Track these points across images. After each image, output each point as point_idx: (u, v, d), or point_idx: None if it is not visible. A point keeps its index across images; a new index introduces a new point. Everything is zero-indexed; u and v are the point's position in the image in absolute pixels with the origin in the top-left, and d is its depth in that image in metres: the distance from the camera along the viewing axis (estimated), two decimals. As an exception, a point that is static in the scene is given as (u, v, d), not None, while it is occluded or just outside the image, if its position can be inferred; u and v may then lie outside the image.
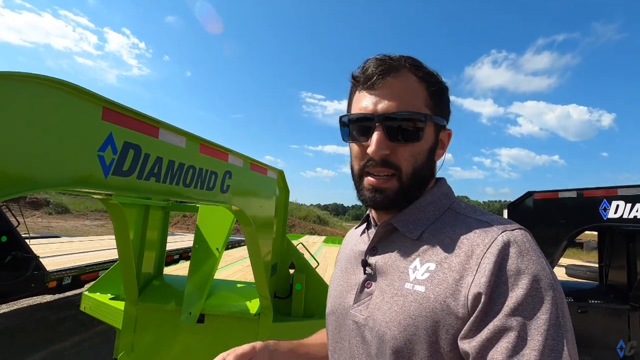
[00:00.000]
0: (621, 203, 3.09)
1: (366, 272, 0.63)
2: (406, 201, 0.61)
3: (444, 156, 0.68)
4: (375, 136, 0.58)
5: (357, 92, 0.64)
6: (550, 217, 3.72)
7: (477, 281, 0.48)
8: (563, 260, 5.01)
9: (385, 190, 0.60)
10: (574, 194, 3.52)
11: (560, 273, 5.82)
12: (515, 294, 0.45)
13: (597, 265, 4.54)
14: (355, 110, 0.63)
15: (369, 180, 0.61)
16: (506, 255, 0.48)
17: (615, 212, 3.12)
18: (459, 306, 0.49)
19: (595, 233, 4.35)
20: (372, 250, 0.64)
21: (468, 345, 0.46)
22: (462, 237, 0.54)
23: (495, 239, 0.51)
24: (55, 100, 0.98)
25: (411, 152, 0.59)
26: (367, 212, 0.72)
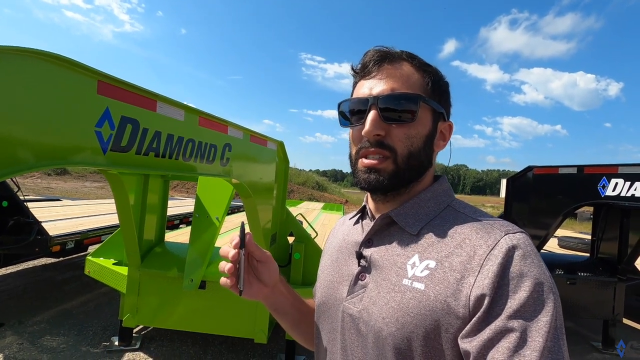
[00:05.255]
0: (620, 181, 3.08)
1: (360, 264, 0.63)
2: (401, 185, 0.61)
3: (449, 150, 0.67)
4: (369, 116, 0.58)
5: (356, 83, 0.65)
6: (549, 192, 3.74)
7: (479, 282, 0.48)
8: (557, 231, 5.11)
9: (380, 171, 0.59)
10: (574, 170, 3.51)
11: (553, 244, 5.96)
12: (518, 296, 0.46)
13: (589, 237, 4.64)
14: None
15: (363, 162, 0.61)
16: (510, 257, 0.49)
17: (614, 189, 3.13)
18: (460, 306, 0.49)
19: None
20: (368, 242, 0.64)
21: (469, 345, 0.47)
22: (463, 236, 0.54)
23: (499, 241, 0.51)
24: (48, 74, 0.93)
25: (406, 134, 0.59)
26: (364, 202, 0.72)
